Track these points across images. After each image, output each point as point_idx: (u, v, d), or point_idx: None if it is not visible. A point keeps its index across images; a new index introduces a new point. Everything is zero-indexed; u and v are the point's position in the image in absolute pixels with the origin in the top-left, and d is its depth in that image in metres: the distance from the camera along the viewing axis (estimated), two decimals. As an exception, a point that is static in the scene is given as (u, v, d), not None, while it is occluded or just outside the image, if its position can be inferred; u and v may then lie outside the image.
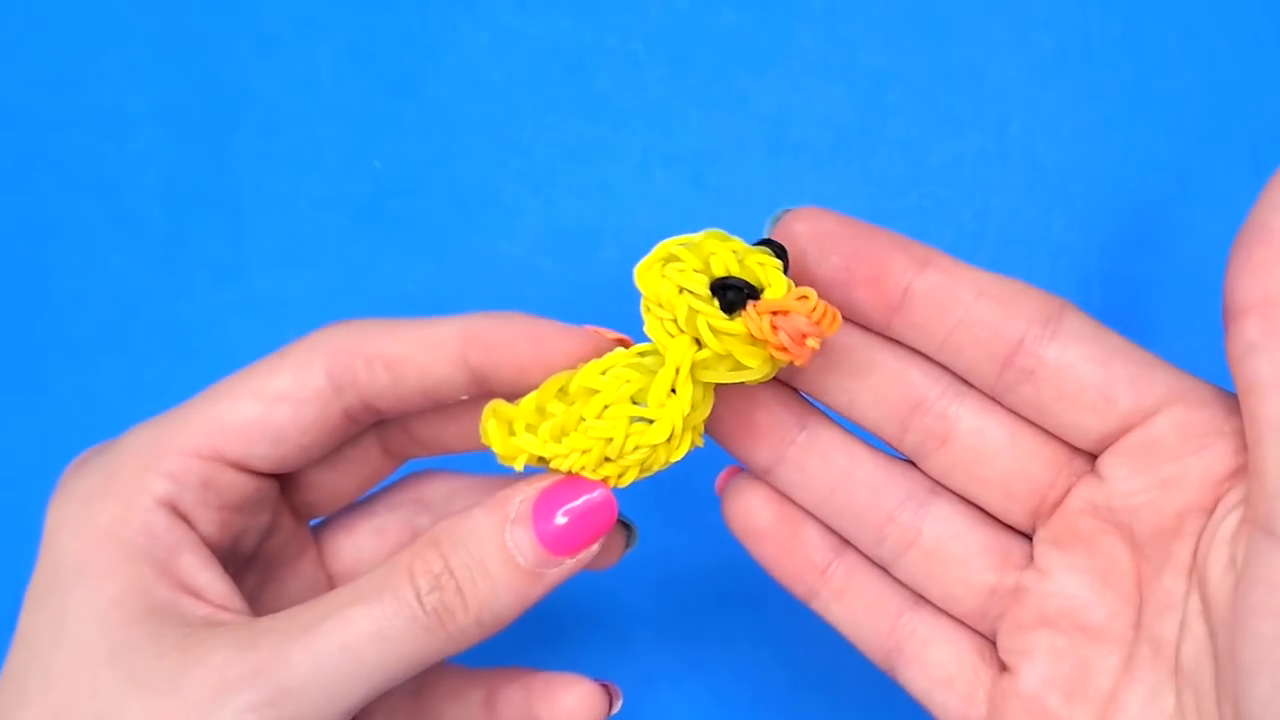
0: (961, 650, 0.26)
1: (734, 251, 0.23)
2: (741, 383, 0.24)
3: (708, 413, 0.24)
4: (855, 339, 0.25)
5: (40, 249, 0.39)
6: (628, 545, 0.27)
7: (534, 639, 0.37)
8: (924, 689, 0.26)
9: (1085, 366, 0.24)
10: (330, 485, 0.28)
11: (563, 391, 0.24)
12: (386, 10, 0.39)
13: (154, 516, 0.24)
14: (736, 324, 0.22)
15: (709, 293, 0.22)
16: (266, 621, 0.23)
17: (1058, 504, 0.25)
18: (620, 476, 0.24)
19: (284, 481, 0.27)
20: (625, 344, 0.25)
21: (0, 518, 0.39)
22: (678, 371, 0.23)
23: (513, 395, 0.25)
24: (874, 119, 0.38)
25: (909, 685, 0.26)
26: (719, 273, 0.22)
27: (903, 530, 0.26)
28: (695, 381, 0.23)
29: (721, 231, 0.23)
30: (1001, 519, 0.26)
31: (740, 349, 0.23)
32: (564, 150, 0.38)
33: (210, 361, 0.38)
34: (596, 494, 0.24)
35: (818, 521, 0.26)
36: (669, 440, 0.23)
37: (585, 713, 0.26)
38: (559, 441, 0.23)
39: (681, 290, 0.22)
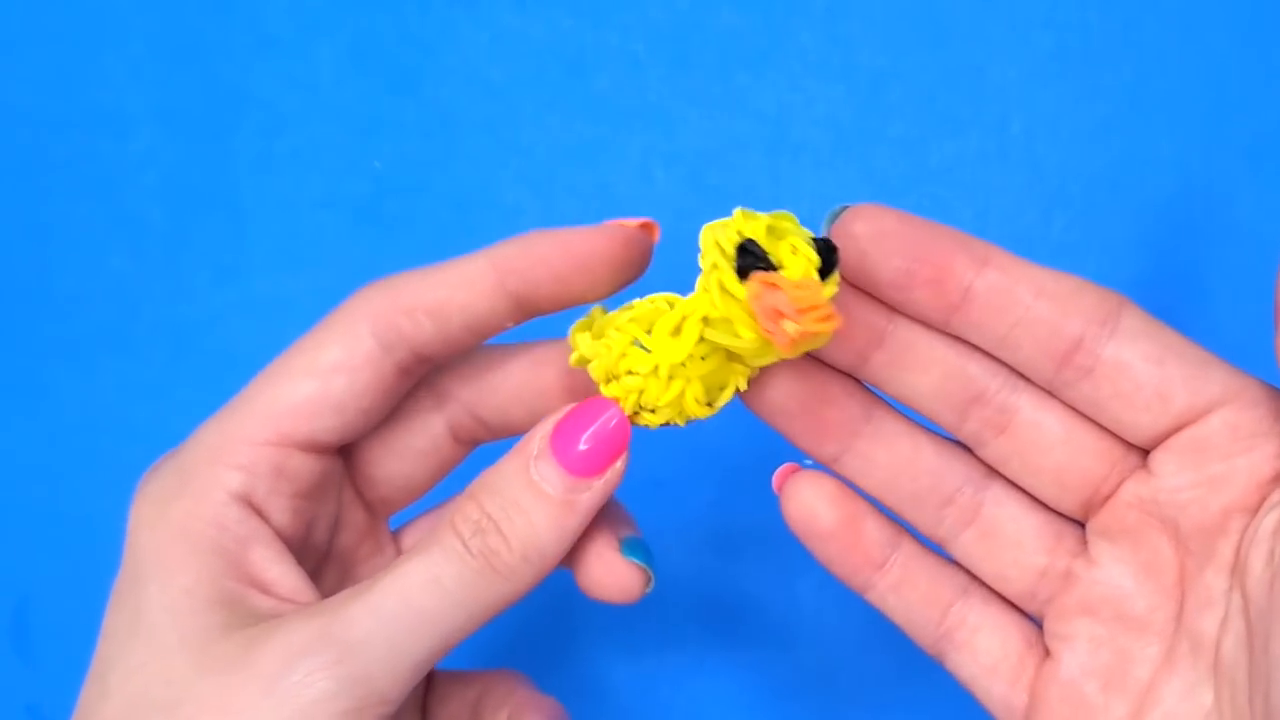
0: (1009, 638, 0.27)
1: (771, 227, 0.23)
2: (741, 359, 0.24)
3: (704, 373, 0.24)
4: (916, 335, 0.25)
5: (41, 249, 0.39)
6: (646, 587, 0.27)
7: (536, 640, 0.38)
8: (971, 674, 0.27)
9: (1142, 366, 0.24)
10: (403, 477, 0.29)
11: (627, 306, 0.25)
12: (386, 10, 0.39)
13: (226, 510, 0.25)
14: (740, 288, 0.23)
15: (733, 253, 0.23)
16: (331, 598, 0.24)
17: (1109, 497, 0.25)
18: (624, 400, 0.25)
19: (356, 474, 0.28)
20: (649, 227, 0.26)
21: (2, 516, 0.39)
22: (686, 318, 0.24)
23: (555, 312, 0.26)
24: (874, 119, 0.38)
25: (956, 671, 0.27)
26: (748, 235, 0.23)
27: (961, 511, 0.26)
28: (703, 338, 0.24)
29: (789, 214, 0.24)
30: (1054, 508, 0.26)
31: (739, 316, 0.23)
32: (564, 150, 0.38)
33: (210, 361, 0.38)
34: (608, 414, 0.24)
35: (875, 515, 0.27)
36: (656, 376, 0.24)
37: None
38: (594, 340, 0.25)
39: (716, 244, 0.23)
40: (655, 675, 0.38)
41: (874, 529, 0.26)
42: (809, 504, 0.26)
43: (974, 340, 0.25)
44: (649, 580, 0.27)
